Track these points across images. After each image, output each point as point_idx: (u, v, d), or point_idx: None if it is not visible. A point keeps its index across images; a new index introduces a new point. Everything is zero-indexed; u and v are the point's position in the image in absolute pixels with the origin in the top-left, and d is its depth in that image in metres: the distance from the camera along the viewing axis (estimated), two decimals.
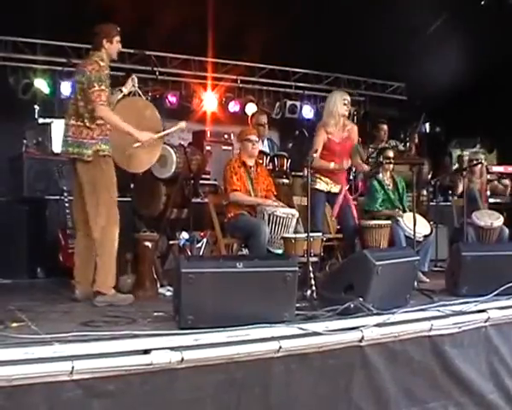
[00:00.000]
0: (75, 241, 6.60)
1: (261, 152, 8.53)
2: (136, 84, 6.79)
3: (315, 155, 6.93)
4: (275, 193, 7.80)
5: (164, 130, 6.77)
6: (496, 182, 9.75)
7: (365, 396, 5.12)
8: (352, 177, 9.95)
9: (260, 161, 8.20)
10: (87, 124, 6.12)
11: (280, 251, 7.07)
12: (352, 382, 5.05)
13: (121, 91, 6.68)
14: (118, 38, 6.35)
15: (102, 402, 4.02)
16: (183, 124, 6.71)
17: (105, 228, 6.13)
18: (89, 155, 6.10)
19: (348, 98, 7.63)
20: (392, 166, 8.49)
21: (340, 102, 7.51)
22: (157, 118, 6.83)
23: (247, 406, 4.59)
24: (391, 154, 8.60)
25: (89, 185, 6.18)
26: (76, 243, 6.56)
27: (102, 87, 6.06)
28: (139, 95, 6.89)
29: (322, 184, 7.52)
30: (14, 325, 4.89)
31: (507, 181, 9.73)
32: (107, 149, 6.16)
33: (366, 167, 7.98)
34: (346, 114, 7.68)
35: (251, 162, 7.65)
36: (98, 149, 6.11)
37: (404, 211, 8.20)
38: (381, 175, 8.39)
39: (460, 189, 9.06)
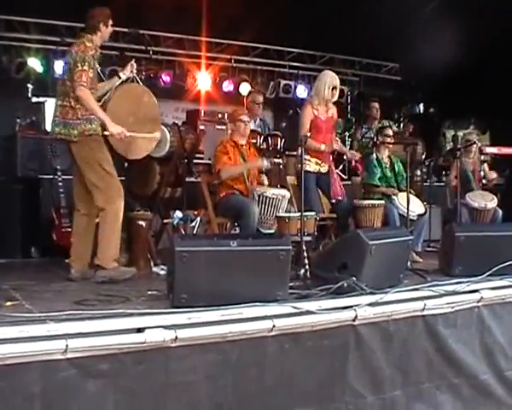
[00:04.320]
0: (73, 220, 6.59)
1: (253, 131, 8.49)
2: (135, 70, 6.75)
3: (308, 133, 6.95)
4: None
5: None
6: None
7: (360, 376, 5.14)
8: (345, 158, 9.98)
9: (254, 141, 8.21)
10: (72, 104, 6.13)
11: (270, 231, 7.08)
12: (347, 361, 5.07)
13: (119, 77, 6.66)
14: (111, 22, 6.37)
15: (97, 383, 4.03)
16: (158, 135, 6.75)
17: (106, 201, 6.15)
18: (75, 135, 6.14)
19: (337, 84, 7.63)
20: (391, 145, 8.48)
21: (328, 88, 7.55)
22: (154, 104, 6.86)
23: (243, 386, 4.61)
24: (390, 132, 8.58)
25: (82, 164, 6.22)
26: (74, 223, 6.55)
27: (85, 68, 6.06)
28: (137, 81, 6.86)
29: (312, 166, 7.55)
30: (9, 303, 4.91)
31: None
32: (93, 128, 6.16)
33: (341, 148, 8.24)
34: (332, 100, 7.70)
35: (242, 141, 7.67)
36: (84, 128, 6.13)
37: (401, 191, 8.16)
38: (374, 155, 8.38)
39: (454, 172, 9.00)
